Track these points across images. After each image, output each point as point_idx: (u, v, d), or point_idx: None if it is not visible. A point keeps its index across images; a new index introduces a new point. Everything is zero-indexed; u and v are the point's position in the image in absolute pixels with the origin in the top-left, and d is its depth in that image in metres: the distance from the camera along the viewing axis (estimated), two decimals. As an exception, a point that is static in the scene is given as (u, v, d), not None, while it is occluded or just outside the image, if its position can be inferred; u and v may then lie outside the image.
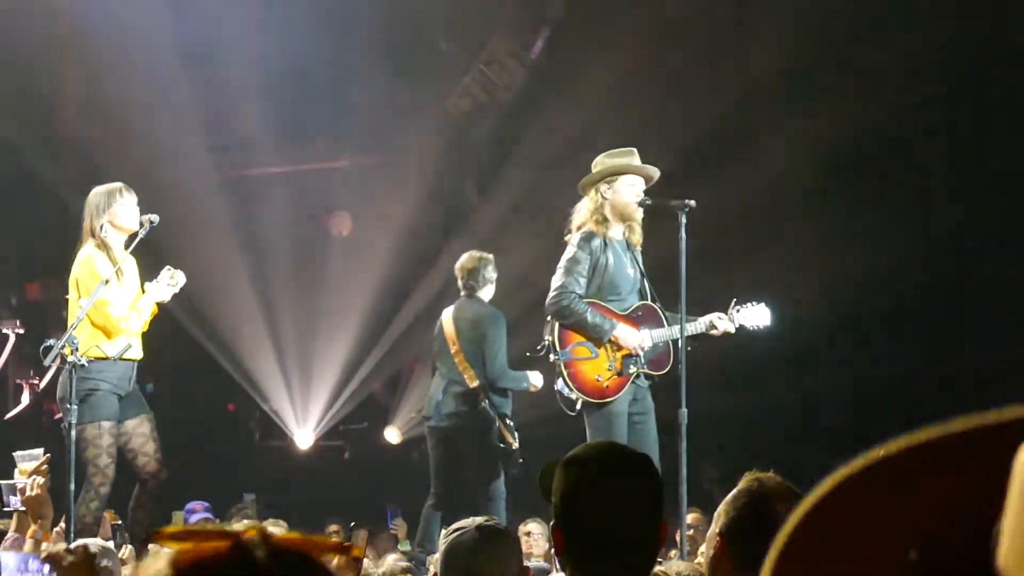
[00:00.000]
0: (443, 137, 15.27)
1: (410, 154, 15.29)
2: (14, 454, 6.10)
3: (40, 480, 5.92)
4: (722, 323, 8.42)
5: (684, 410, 7.76)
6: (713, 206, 10.05)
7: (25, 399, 15.40)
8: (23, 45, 14.27)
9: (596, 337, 8.16)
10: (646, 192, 8.29)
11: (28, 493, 5.89)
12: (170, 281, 8.33)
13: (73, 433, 7.89)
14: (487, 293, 9.73)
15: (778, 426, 12.93)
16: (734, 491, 3.65)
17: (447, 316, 9.78)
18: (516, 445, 9.44)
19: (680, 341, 8.04)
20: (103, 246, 8.22)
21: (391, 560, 7.81)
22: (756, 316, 8.53)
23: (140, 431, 8.36)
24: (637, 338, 8.20)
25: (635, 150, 8.38)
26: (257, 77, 14.87)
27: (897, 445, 1.14)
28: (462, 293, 9.80)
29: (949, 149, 13.15)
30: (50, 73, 14.99)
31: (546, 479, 3.18)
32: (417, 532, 10.07)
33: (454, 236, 15.12)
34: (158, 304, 8.39)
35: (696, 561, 8.05)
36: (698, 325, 8.32)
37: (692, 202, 8.10)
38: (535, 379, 9.55)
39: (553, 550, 3.17)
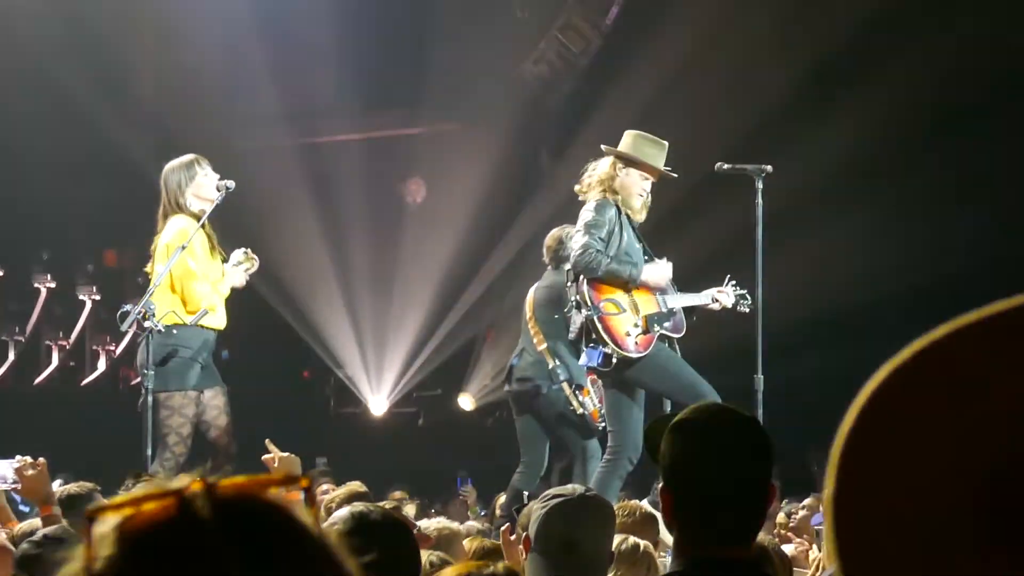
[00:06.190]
0: (518, 104, 15.20)
1: (485, 121, 15.24)
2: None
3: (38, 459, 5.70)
4: (723, 297, 8.23)
5: (760, 376, 7.64)
6: (790, 172, 9.89)
7: (102, 365, 15.56)
8: (99, 16, 14.36)
9: (628, 279, 7.95)
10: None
11: (27, 473, 5.62)
12: (246, 264, 8.34)
13: (150, 399, 7.92)
14: None
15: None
16: None
17: (531, 288, 9.66)
18: (581, 410, 9.23)
19: (747, 307, 7.96)
20: (194, 217, 8.20)
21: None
22: (739, 297, 8.33)
23: (215, 403, 8.33)
24: (660, 273, 8.06)
25: (666, 144, 8.07)
26: (333, 45, 14.88)
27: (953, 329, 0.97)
28: (549, 267, 9.62)
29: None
30: (126, 43, 15.07)
31: (653, 439, 3.12)
32: (504, 499, 9.90)
33: (528, 204, 15.07)
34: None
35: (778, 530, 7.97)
36: (701, 297, 8.18)
37: (769, 167, 7.95)
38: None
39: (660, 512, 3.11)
